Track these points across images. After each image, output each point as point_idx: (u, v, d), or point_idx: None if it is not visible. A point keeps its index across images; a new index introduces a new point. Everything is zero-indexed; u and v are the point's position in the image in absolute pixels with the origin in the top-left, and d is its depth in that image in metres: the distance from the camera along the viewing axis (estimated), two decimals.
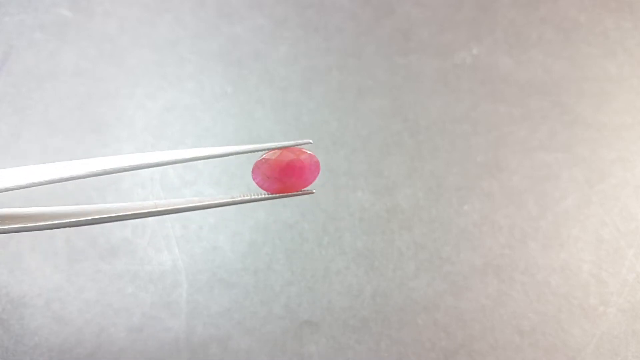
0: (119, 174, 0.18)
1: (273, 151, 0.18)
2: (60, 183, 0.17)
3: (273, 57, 0.38)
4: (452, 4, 0.40)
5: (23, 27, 0.38)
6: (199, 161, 0.35)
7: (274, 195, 0.19)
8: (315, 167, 0.19)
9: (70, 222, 0.17)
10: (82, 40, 0.38)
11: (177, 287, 0.32)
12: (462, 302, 0.32)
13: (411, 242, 0.33)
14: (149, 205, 0.17)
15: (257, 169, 0.19)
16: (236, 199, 0.18)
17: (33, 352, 0.30)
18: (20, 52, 0.37)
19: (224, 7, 0.39)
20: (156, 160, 0.17)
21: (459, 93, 0.37)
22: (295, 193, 0.19)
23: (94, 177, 0.18)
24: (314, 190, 0.19)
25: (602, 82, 0.37)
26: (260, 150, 0.18)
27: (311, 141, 0.18)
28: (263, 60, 0.38)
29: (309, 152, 0.19)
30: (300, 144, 0.19)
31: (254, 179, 0.19)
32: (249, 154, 0.18)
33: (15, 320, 0.31)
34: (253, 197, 0.19)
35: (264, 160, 0.18)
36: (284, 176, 0.18)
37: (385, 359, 0.31)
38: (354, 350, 0.31)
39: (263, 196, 0.19)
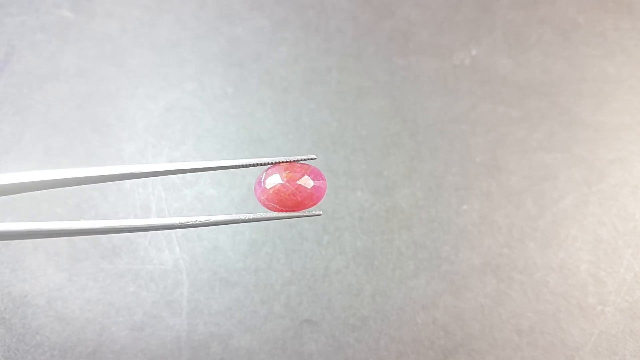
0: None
1: (273, 171, 0.18)
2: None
3: (273, 58, 0.38)
4: (451, 5, 0.40)
5: (24, 28, 0.39)
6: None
7: (279, 215, 0.18)
8: (318, 194, 0.18)
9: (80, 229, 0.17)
10: (84, 41, 0.38)
11: (178, 286, 0.32)
12: (461, 301, 0.32)
13: (410, 242, 0.33)
14: (157, 220, 0.18)
15: (257, 192, 0.18)
16: (244, 217, 0.18)
17: (35, 351, 0.30)
18: (21, 53, 0.38)
19: (225, 9, 0.40)
20: (155, 170, 0.18)
21: (458, 94, 0.37)
22: (301, 214, 0.18)
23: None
24: (321, 213, 0.18)
25: (600, 83, 0.38)
26: (263, 164, 0.18)
27: (315, 157, 0.18)
28: (263, 61, 0.38)
29: (310, 182, 0.18)
30: (304, 160, 0.18)
31: (256, 198, 0.18)
32: (254, 164, 0.18)
33: (18, 319, 0.31)
34: (260, 215, 0.18)
35: (263, 189, 0.18)
36: (284, 207, 0.18)
37: (384, 358, 0.31)
38: (353, 348, 0.31)
39: (269, 215, 0.18)
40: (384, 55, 0.38)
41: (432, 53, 0.39)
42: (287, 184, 0.17)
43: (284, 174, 0.18)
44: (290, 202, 0.18)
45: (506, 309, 0.32)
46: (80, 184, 0.18)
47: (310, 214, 0.18)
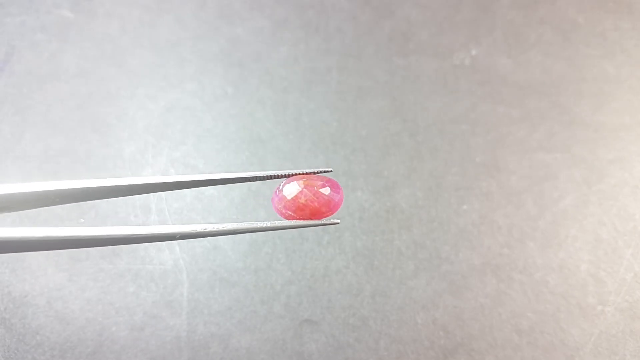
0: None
1: (290, 180, 0.18)
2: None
3: (273, 58, 0.38)
4: (451, 5, 0.40)
5: (25, 28, 0.39)
6: (200, 164, 0.35)
7: (296, 223, 0.18)
8: (335, 202, 0.18)
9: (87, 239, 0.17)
10: (84, 41, 0.38)
11: (178, 286, 0.32)
12: (461, 301, 0.32)
13: (410, 242, 0.33)
14: (171, 229, 0.17)
15: (275, 201, 0.18)
16: (261, 226, 0.18)
17: (35, 351, 0.30)
18: (21, 53, 0.38)
19: (225, 9, 0.40)
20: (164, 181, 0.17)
21: (457, 94, 0.37)
22: (318, 222, 0.18)
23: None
24: (339, 221, 0.18)
25: (600, 83, 0.38)
26: (280, 176, 0.18)
27: (332, 169, 0.18)
28: (263, 61, 0.38)
29: (327, 190, 0.18)
30: (321, 172, 0.18)
31: (273, 208, 0.18)
32: (260, 177, 0.18)
33: (18, 319, 0.31)
34: (277, 224, 0.18)
35: (281, 197, 0.18)
36: (301, 215, 0.18)
37: (384, 358, 0.31)
38: (353, 348, 0.31)
39: (286, 224, 0.18)
40: (384, 55, 0.39)
41: (432, 53, 0.39)
42: (305, 190, 0.18)
43: (301, 182, 0.18)
44: (308, 210, 0.18)
45: (506, 309, 0.32)
46: (92, 199, 0.17)
47: (327, 222, 0.18)
